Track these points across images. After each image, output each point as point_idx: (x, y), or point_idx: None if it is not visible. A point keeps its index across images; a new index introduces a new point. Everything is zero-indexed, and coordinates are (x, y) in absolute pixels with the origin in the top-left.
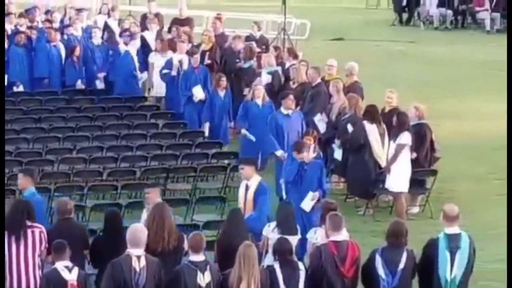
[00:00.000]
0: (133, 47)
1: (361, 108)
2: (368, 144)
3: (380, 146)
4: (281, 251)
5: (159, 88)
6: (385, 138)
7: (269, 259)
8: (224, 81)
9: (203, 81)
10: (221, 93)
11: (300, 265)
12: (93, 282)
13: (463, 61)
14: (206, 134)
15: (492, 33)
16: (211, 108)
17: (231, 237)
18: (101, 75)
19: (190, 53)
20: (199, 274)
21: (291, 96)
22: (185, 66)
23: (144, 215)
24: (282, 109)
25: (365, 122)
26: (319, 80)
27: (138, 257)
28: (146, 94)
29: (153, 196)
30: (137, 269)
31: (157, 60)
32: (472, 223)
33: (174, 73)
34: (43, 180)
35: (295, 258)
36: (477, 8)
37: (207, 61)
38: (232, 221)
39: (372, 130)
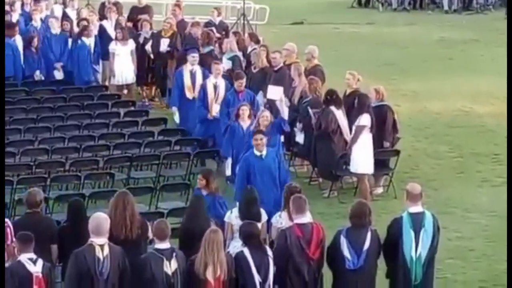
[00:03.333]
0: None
1: (321, 91)
2: (337, 129)
3: (347, 128)
4: (249, 235)
5: (120, 77)
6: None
7: (234, 245)
8: (247, 111)
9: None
10: (244, 125)
11: (268, 250)
12: (59, 274)
13: (421, 41)
14: (228, 173)
15: (450, 13)
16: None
17: (194, 224)
18: (59, 65)
19: (235, 77)
20: (165, 261)
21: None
22: (221, 90)
23: None
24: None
25: (333, 108)
26: (281, 64)
27: (101, 246)
28: (106, 83)
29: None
30: (101, 258)
31: (117, 49)
32: (435, 201)
33: (211, 96)
34: (5, 173)
35: (263, 243)
36: None
37: (167, 48)
38: (195, 208)
39: (339, 116)
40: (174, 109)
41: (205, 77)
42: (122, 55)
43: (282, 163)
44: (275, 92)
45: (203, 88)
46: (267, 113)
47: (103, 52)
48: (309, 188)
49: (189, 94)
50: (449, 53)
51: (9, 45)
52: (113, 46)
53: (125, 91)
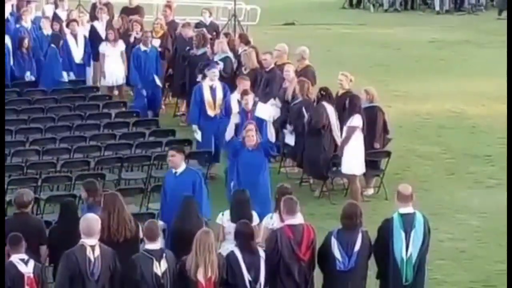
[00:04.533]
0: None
1: (311, 92)
2: (328, 125)
3: (337, 128)
4: (243, 234)
5: (110, 78)
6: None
7: (226, 247)
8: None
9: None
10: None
11: (260, 251)
12: (50, 274)
13: (413, 42)
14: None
15: (441, 14)
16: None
17: (185, 224)
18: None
19: (242, 93)
20: (155, 262)
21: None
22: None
23: None
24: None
25: (325, 104)
26: (272, 65)
27: (92, 247)
28: (97, 84)
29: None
30: (92, 259)
31: (108, 50)
32: (426, 202)
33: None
34: None
35: (255, 244)
36: None
37: (158, 49)
38: (185, 209)
39: (330, 111)
40: (195, 127)
41: (225, 92)
42: (112, 56)
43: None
44: (264, 111)
45: (227, 104)
46: (251, 127)
47: (93, 53)
48: (300, 190)
49: (210, 111)
50: (440, 54)
51: None
52: (103, 47)
53: (116, 92)
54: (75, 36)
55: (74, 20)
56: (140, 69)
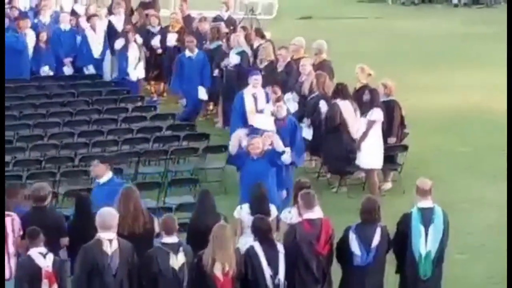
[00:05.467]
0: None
1: (329, 86)
2: (344, 122)
3: (355, 121)
4: (260, 229)
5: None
6: (357, 114)
7: (243, 241)
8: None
9: (289, 137)
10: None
11: (279, 246)
12: (68, 268)
13: (431, 35)
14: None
15: (460, 7)
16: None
17: (202, 219)
18: (68, 60)
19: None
20: (172, 256)
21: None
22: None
23: None
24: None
25: (338, 101)
26: (288, 59)
27: (110, 241)
28: (110, 78)
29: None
30: (109, 253)
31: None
32: (443, 196)
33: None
34: (15, 168)
35: (274, 238)
36: None
37: (174, 43)
38: (203, 203)
39: (346, 107)
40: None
41: (268, 100)
42: (130, 52)
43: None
44: (264, 122)
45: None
46: (258, 140)
47: (110, 47)
48: (317, 183)
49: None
50: (458, 47)
51: (19, 39)
52: (120, 43)
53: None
54: (94, 31)
55: (95, 15)
56: (183, 77)
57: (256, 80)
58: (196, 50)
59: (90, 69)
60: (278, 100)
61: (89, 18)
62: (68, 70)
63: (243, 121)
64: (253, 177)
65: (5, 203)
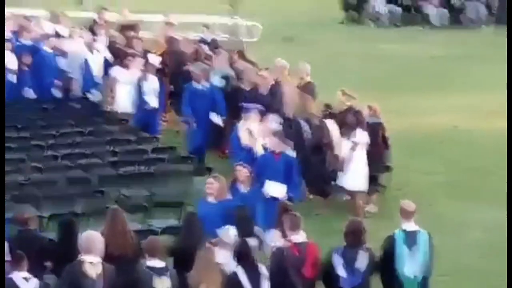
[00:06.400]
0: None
1: (313, 108)
2: (330, 142)
3: (340, 142)
4: (242, 254)
5: (121, 104)
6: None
7: (227, 264)
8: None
9: (284, 172)
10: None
11: (262, 269)
12: None
13: (412, 57)
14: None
15: (440, 28)
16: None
17: (188, 242)
18: (58, 82)
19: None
20: (156, 279)
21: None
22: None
23: None
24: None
25: (327, 121)
26: (272, 81)
27: (93, 264)
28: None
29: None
30: (93, 276)
31: (119, 73)
32: (427, 217)
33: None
34: None
35: (256, 261)
36: (423, 3)
37: (158, 65)
38: (189, 226)
39: (333, 127)
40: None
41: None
42: (126, 82)
43: None
44: (277, 190)
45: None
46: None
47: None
48: (301, 206)
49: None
50: (440, 69)
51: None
52: (116, 72)
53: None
54: (91, 52)
55: (94, 40)
56: (195, 107)
57: (252, 115)
58: (204, 82)
59: (94, 94)
60: (276, 133)
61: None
62: (57, 93)
63: (242, 151)
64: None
65: (5, 204)
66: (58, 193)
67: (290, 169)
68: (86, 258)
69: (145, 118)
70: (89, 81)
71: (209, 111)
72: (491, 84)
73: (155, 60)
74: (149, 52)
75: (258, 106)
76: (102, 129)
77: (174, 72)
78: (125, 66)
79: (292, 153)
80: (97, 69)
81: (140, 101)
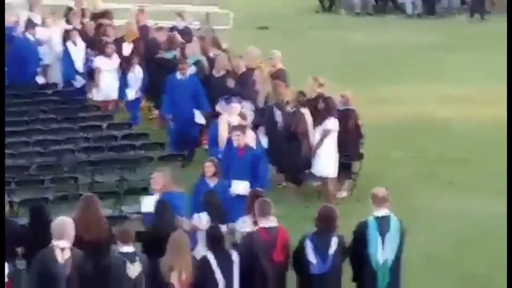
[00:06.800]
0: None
1: (285, 95)
2: (305, 130)
3: (313, 130)
4: (215, 238)
5: (104, 93)
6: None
7: (199, 249)
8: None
9: (249, 168)
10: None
11: (233, 255)
12: (25, 277)
13: (386, 46)
14: None
15: (413, 18)
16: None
17: (159, 227)
18: (40, 70)
19: (232, 128)
20: (129, 265)
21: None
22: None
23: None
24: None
25: (302, 109)
26: (244, 68)
27: (63, 249)
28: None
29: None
30: (62, 261)
31: (104, 64)
32: (399, 206)
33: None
34: None
35: (227, 247)
36: None
37: (130, 53)
38: (160, 212)
39: (307, 116)
40: None
41: None
42: (109, 71)
43: None
44: (240, 187)
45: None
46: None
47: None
48: (273, 192)
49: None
50: (413, 57)
51: None
52: (99, 61)
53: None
54: (75, 44)
55: (75, 29)
56: (174, 100)
57: (233, 108)
58: (187, 74)
59: (78, 80)
60: (238, 128)
61: (69, 32)
62: (41, 79)
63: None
64: None
65: (5, 202)
66: (30, 179)
67: (255, 164)
68: (57, 243)
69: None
70: (69, 69)
71: (190, 105)
72: (466, 73)
73: (127, 48)
74: (122, 40)
75: (239, 98)
76: (74, 115)
77: (147, 60)
78: (107, 55)
79: (264, 140)
80: (79, 58)
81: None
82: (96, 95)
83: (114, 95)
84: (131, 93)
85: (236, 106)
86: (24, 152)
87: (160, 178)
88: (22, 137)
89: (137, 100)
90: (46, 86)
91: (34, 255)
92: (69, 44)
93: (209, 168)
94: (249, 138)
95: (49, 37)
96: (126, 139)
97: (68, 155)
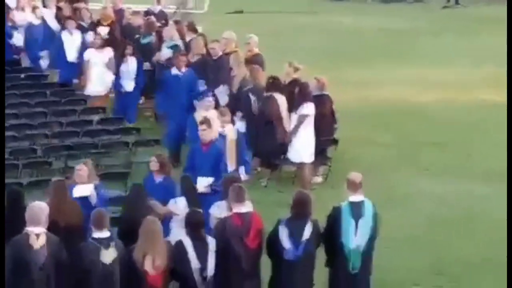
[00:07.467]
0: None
1: (262, 79)
2: (279, 116)
3: (287, 115)
4: (193, 223)
5: (97, 86)
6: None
7: (175, 234)
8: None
9: (212, 163)
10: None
11: (209, 240)
12: None
13: (363, 30)
14: None
15: (390, 2)
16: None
17: (133, 213)
18: (43, 53)
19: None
20: (103, 250)
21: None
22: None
23: None
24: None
25: (275, 94)
26: (220, 53)
27: (37, 235)
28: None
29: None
30: (37, 247)
31: (94, 57)
32: (377, 189)
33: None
34: None
35: (204, 232)
36: None
37: (106, 36)
38: (134, 197)
39: (281, 101)
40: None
41: None
42: (99, 63)
43: None
44: (202, 184)
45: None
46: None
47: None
48: (249, 178)
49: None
50: (389, 42)
51: None
52: (89, 54)
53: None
54: (71, 34)
55: (70, 18)
56: (168, 97)
57: (209, 103)
58: (184, 69)
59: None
60: (203, 122)
61: (64, 20)
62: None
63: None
64: None
65: (5, 203)
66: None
67: (219, 159)
68: (32, 229)
69: (122, 103)
70: (58, 58)
71: (187, 101)
72: (440, 57)
73: (103, 31)
74: (99, 23)
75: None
76: (48, 99)
77: (122, 44)
78: (98, 48)
79: (241, 125)
80: (73, 48)
81: (117, 85)
82: (87, 89)
83: (106, 89)
84: (128, 85)
85: (211, 101)
86: None
87: (85, 170)
88: None
89: (133, 95)
90: (20, 70)
91: (8, 241)
92: (65, 33)
93: (154, 163)
94: (229, 132)
95: (24, 20)
96: (100, 124)
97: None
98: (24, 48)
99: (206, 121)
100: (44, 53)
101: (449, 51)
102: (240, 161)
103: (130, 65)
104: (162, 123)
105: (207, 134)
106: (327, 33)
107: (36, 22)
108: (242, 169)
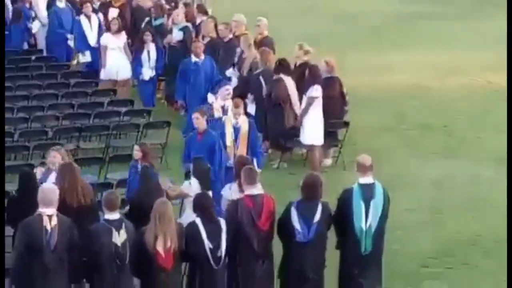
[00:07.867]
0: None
1: (272, 62)
2: (288, 98)
3: (297, 97)
4: (202, 206)
5: (112, 71)
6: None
7: (186, 216)
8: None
9: (207, 152)
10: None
11: (221, 221)
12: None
13: (374, 14)
14: None
15: None
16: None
17: (145, 195)
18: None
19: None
20: (114, 232)
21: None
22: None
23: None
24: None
25: (283, 76)
26: (230, 35)
27: (50, 217)
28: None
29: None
30: (48, 229)
31: (111, 42)
32: (384, 173)
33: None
34: None
35: (215, 214)
36: None
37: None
38: (146, 179)
39: (289, 83)
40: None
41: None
42: (115, 48)
43: None
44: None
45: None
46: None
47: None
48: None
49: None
50: (397, 26)
51: None
52: (105, 39)
53: (121, 88)
54: (89, 18)
55: (88, 1)
56: (188, 85)
57: (227, 91)
58: (202, 55)
59: (86, 56)
60: (197, 111)
61: (81, 5)
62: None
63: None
64: None
65: (5, 200)
66: (14, 145)
67: (213, 148)
68: (44, 211)
69: (141, 90)
70: (81, 43)
71: (206, 90)
72: (448, 41)
73: (113, 13)
74: (110, 4)
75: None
76: (59, 82)
77: (133, 26)
78: (114, 32)
79: (252, 108)
80: (93, 33)
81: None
82: (103, 74)
83: (123, 74)
84: (147, 73)
85: (229, 89)
86: (8, 118)
87: (58, 157)
88: (6, 103)
89: (152, 82)
90: (31, 52)
91: (19, 222)
92: (82, 18)
93: (136, 152)
94: (243, 124)
95: (35, 4)
96: (111, 106)
97: None
98: (48, 33)
99: (200, 111)
100: (70, 36)
101: (455, 36)
102: (253, 152)
103: (151, 52)
104: (182, 112)
105: (200, 123)
106: (334, 17)
107: (61, 5)
108: (254, 161)
